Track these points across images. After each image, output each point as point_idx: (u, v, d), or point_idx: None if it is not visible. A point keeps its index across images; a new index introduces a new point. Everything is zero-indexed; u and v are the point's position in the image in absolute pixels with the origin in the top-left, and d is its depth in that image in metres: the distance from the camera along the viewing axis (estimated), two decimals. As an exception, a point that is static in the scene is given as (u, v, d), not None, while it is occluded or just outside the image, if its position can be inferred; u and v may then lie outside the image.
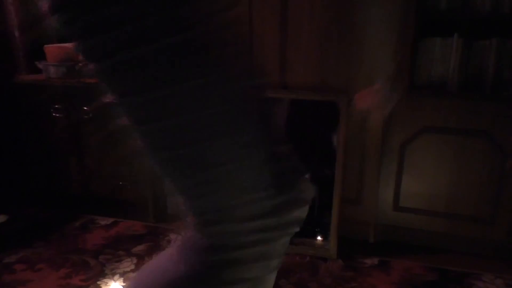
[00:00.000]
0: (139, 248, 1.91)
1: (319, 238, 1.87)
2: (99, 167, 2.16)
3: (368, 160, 1.87)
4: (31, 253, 1.86)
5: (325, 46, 1.81)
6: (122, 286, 1.62)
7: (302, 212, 0.68)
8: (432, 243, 1.93)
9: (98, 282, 1.64)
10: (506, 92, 1.68)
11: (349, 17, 1.76)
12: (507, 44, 1.66)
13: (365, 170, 1.89)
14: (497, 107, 1.68)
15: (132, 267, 1.75)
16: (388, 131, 1.83)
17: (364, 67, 1.79)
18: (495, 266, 1.79)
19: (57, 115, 2.14)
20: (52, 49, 2.17)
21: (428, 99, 1.76)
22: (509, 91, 1.67)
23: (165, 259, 0.73)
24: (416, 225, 1.89)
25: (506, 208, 1.75)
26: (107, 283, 1.64)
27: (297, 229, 0.71)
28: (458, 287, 1.63)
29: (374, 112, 1.81)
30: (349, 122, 1.84)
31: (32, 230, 2.08)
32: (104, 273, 1.71)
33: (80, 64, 2.17)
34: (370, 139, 1.85)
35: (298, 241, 1.87)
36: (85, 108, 2.09)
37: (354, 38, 1.77)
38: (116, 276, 1.69)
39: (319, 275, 1.71)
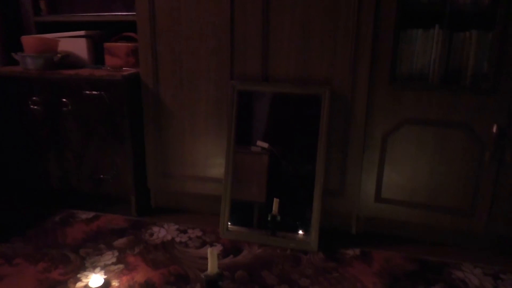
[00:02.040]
0: (121, 241, 1.89)
1: (300, 232, 1.87)
2: (79, 160, 2.13)
3: (350, 152, 1.88)
4: (8, 248, 1.82)
5: (307, 37, 1.81)
6: (104, 278, 1.60)
7: None
8: (412, 234, 1.95)
9: (78, 275, 1.62)
10: (486, 84, 1.70)
11: (332, 6, 1.75)
12: (487, 36, 1.68)
13: (347, 162, 1.89)
14: (476, 99, 1.70)
15: (114, 260, 1.73)
16: (370, 123, 1.83)
17: (346, 58, 1.79)
18: (474, 256, 1.82)
19: (35, 107, 2.10)
20: (29, 40, 2.12)
21: (409, 91, 1.77)
22: (489, 83, 1.68)
23: None
24: (397, 216, 1.90)
25: (485, 199, 1.77)
26: (87, 276, 1.62)
27: None
28: (438, 277, 1.66)
29: (357, 103, 1.82)
30: (331, 114, 1.84)
31: (10, 225, 2.04)
32: (84, 267, 1.68)
33: (58, 55, 2.12)
34: (352, 131, 1.85)
35: (280, 234, 1.87)
36: (63, 100, 2.05)
37: (336, 29, 1.77)
38: (97, 269, 1.67)
39: (301, 266, 1.71)
